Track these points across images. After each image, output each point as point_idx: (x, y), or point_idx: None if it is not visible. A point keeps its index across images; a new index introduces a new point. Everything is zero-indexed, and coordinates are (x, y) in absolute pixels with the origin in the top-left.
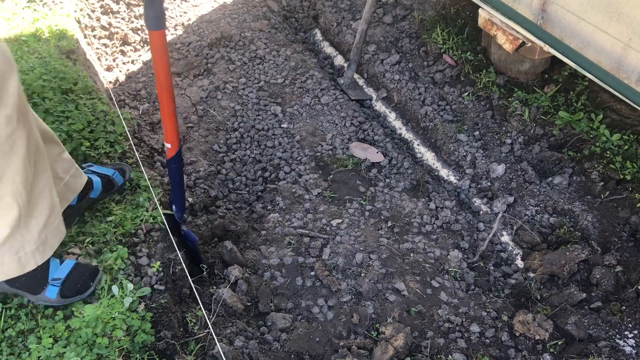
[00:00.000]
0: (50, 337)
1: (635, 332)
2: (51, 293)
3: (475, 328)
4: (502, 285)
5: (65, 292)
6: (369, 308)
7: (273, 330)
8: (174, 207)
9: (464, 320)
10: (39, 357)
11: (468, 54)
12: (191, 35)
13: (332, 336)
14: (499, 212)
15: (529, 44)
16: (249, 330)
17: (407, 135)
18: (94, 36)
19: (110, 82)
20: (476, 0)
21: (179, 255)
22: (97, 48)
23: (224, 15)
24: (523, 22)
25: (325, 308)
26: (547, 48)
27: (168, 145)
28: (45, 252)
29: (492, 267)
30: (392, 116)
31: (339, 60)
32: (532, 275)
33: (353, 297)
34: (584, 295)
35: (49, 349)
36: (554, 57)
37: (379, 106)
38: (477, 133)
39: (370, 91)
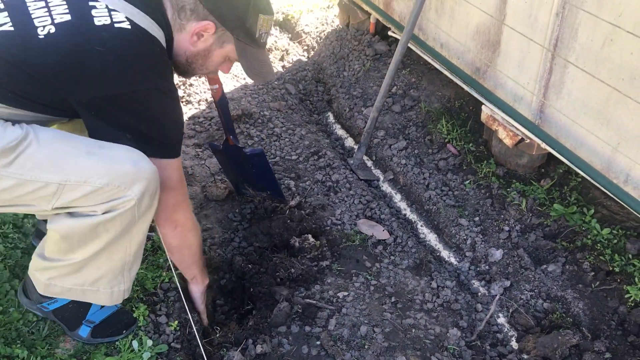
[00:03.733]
0: None
1: None
2: (84, 332)
3: None
4: None
5: (97, 333)
6: None
7: None
8: (230, 136)
9: None
10: None
11: (470, 145)
12: (214, 110)
13: None
14: (496, 295)
15: (528, 141)
16: None
17: (412, 216)
18: None
19: None
20: (480, 98)
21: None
22: None
23: (245, 94)
24: (522, 121)
25: None
26: (544, 145)
27: (215, 87)
28: (129, 292)
29: (488, 347)
30: (397, 197)
31: (349, 142)
32: (526, 357)
33: None
34: None
35: None
36: (550, 153)
37: (386, 187)
38: (477, 219)
39: (377, 173)
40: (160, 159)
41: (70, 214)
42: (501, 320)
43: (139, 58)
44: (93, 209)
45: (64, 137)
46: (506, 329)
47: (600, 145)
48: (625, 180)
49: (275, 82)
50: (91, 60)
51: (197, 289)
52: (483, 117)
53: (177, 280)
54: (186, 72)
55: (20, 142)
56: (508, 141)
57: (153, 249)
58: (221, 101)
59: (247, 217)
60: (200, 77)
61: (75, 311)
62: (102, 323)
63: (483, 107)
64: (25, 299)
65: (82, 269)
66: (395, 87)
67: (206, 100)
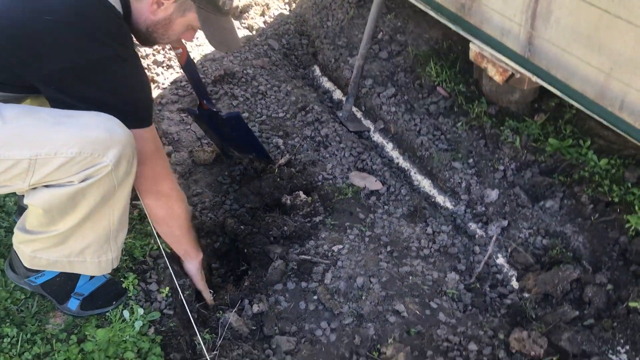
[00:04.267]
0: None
1: (627, 347)
2: (72, 305)
3: (473, 346)
4: (498, 305)
5: (86, 305)
6: (370, 329)
7: (278, 353)
8: (203, 100)
9: (462, 339)
10: None
11: (460, 86)
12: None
13: (335, 357)
14: (493, 236)
15: (518, 75)
16: (255, 353)
17: (404, 164)
18: None
19: None
20: (467, 35)
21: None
22: None
23: (226, 54)
24: (511, 55)
25: (328, 330)
26: (535, 79)
27: (179, 51)
28: (119, 260)
29: (488, 288)
30: (389, 146)
31: (337, 94)
32: (527, 295)
33: (355, 319)
34: (577, 313)
35: None
36: (542, 87)
37: (377, 137)
38: (471, 161)
39: (368, 123)
40: (130, 130)
41: (47, 186)
42: (500, 260)
43: (92, 24)
44: (69, 179)
45: (30, 111)
46: (506, 269)
47: (593, 72)
48: (620, 106)
49: (258, 39)
50: (41, 31)
51: (192, 265)
52: (471, 55)
53: (161, 247)
54: (147, 42)
55: None
56: (498, 78)
57: (140, 217)
58: (187, 65)
59: (236, 179)
60: (163, 47)
61: (64, 284)
62: (91, 295)
63: (471, 44)
64: (13, 274)
65: (66, 240)
66: (381, 33)
67: None
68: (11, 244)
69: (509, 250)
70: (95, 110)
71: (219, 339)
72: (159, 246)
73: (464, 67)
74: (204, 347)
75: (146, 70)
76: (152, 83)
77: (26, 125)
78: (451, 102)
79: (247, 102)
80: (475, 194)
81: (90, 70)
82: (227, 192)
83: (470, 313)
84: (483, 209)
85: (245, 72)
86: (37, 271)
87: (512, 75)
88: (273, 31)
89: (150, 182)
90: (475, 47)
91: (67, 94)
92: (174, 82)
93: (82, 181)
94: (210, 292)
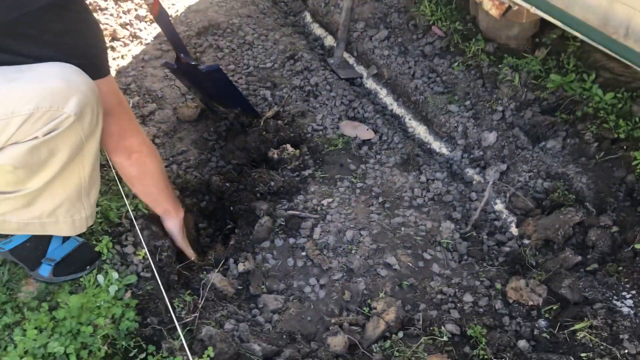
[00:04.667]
0: (35, 328)
1: (633, 292)
2: (44, 271)
3: (468, 298)
4: (496, 253)
5: (59, 271)
6: (360, 284)
7: (265, 312)
8: (181, 54)
9: (456, 290)
10: (24, 349)
11: (457, 23)
12: (179, 26)
13: (324, 314)
14: (490, 180)
15: (515, 8)
16: (240, 313)
17: (399, 110)
18: None
19: None
20: None
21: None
22: None
23: (211, 4)
24: None
25: (317, 287)
26: (533, 10)
27: (150, 1)
28: (94, 218)
29: (485, 236)
30: (383, 93)
31: (329, 40)
32: (526, 242)
33: (344, 274)
34: (580, 258)
35: (34, 340)
36: (544, 20)
37: (370, 84)
38: (468, 103)
39: (360, 69)
40: None
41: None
42: (499, 206)
43: None
44: (34, 135)
45: None
46: (505, 215)
47: None
48: (626, 33)
49: None
50: None
51: (173, 224)
52: None
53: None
54: None
55: None
56: (494, 12)
57: (118, 178)
58: (160, 17)
59: (222, 134)
60: None
61: (34, 249)
62: (63, 261)
63: None
64: None
65: (36, 200)
66: None
67: (171, 16)
68: None
69: (508, 195)
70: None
71: (201, 300)
72: (135, 207)
73: (460, 3)
74: (171, 309)
75: (128, 27)
76: (134, 39)
77: None
78: (447, 41)
79: (232, 54)
80: (473, 137)
81: (28, 25)
82: (213, 149)
83: (466, 263)
84: (481, 153)
85: (230, 22)
86: (5, 236)
87: (509, 8)
88: None
89: (117, 138)
90: None
91: (10, 53)
92: (157, 37)
93: (46, 134)
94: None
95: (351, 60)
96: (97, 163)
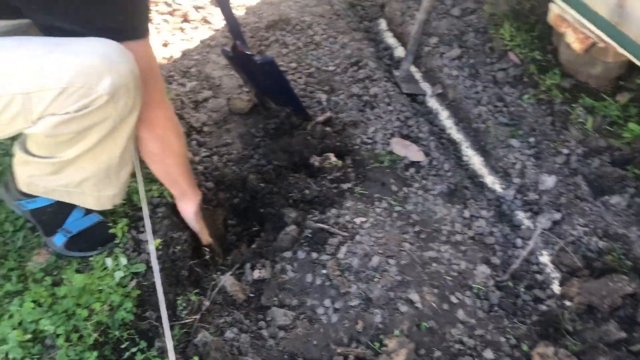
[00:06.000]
0: (33, 302)
1: None
2: (58, 240)
3: (488, 354)
4: (530, 310)
5: (71, 245)
6: (376, 316)
7: (271, 326)
8: (237, 41)
9: (478, 343)
10: (19, 321)
11: (536, 52)
12: (250, 16)
13: (331, 341)
14: (539, 228)
15: (602, 45)
16: (245, 323)
17: (456, 136)
18: (157, 11)
19: (164, 57)
20: None
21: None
22: (157, 23)
23: None
24: (596, 20)
25: (330, 310)
26: (621, 50)
27: None
28: (121, 198)
29: (522, 289)
30: (443, 114)
31: (399, 52)
32: (567, 304)
33: (362, 302)
34: (624, 334)
35: (29, 313)
36: (632, 62)
37: (432, 103)
38: (531, 139)
39: (425, 86)
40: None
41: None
42: (544, 259)
43: None
44: (66, 110)
45: (23, 42)
46: (548, 270)
47: None
48: None
49: None
50: None
51: (189, 208)
52: (551, 17)
53: (141, 195)
54: None
55: None
56: (577, 46)
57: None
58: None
59: (270, 132)
60: None
61: (54, 215)
62: (78, 235)
63: (551, 4)
64: (6, 194)
65: (64, 169)
66: None
67: (244, 5)
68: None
69: (556, 248)
70: (83, 23)
71: (207, 302)
72: (161, 193)
73: (544, 32)
74: (163, 309)
75: (201, 10)
76: (205, 23)
77: (17, 58)
78: (522, 70)
79: (297, 52)
80: (530, 178)
81: None
82: (257, 145)
83: (495, 315)
84: (535, 196)
85: (302, 19)
86: (29, 196)
87: (595, 44)
88: None
89: (142, 109)
90: (556, 8)
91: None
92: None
93: (77, 111)
94: (205, 250)
95: (417, 76)
96: (130, 145)
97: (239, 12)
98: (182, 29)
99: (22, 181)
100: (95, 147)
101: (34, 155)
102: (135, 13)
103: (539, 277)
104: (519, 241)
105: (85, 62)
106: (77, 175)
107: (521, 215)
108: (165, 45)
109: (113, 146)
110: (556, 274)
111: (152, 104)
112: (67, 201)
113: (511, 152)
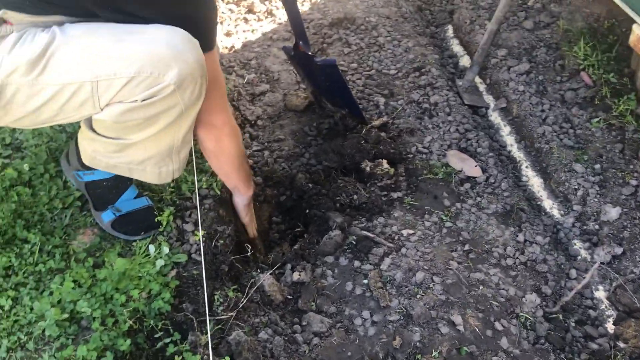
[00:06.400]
0: (73, 281)
1: None
2: (107, 217)
3: None
4: (579, 347)
5: (117, 225)
6: (415, 334)
7: (306, 332)
8: (299, 41)
9: None
10: (58, 299)
11: (611, 75)
12: (315, 12)
13: (366, 354)
14: (597, 262)
15: None
16: (280, 325)
17: (517, 154)
18: (223, 0)
19: (226, 47)
20: (632, 14)
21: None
22: (222, 12)
23: None
24: None
25: (368, 322)
26: None
27: None
28: (181, 172)
29: (573, 324)
30: (505, 130)
31: (464, 61)
32: (621, 345)
33: (401, 317)
34: None
35: (68, 292)
36: None
37: (494, 117)
38: (597, 166)
39: (489, 99)
40: None
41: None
42: (599, 294)
43: None
44: (134, 99)
45: (95, 30)
46: (604, 307)
47: None
48: None
49: None
50: None
51: (240, 200)
52: (632, 39)
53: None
54: None
55: (46, 47)
56: None
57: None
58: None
59: (323, 132)
60: None
61: (108, 190)
62: (126, 215)
63: (634, 26)
64: (66, 164)
65: (128, 149)
66: (532, 0)
67: (310, 1)
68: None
69: (614, 284)
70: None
71: (244, 300)
72: (210, 185)
73: (622, 53)
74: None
75: (267, 2)
76: (269, 16)
77: (88, 46)
78: (593, 92)
79: (359, 52)
80: (592, 207)
81: None
82: (309, 144)
83: (541, 348)
84: (596, 227)
85: (367, 19)
86: (88, 168)
87: None
88: None
89: (202, 112)
90: (639, 30)
91: (122, 13)
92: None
93: (144, 100)
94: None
95: (481, 87)
96: (192, 128)
97: (303, 7)
98: (246, 20)
99: (86, 155)
100: (160, 132)
101: (100, 135)
102: (208, 27)
103: (592, 313)
104: (573, 272)
105: (154, 52)
106: (140, 154)
107: (578, 245)
108: (228, 35)
109: (177, 130)
110: (611, 312)
111: (212, 110)
112: (127, 176)
113: (574, 177)
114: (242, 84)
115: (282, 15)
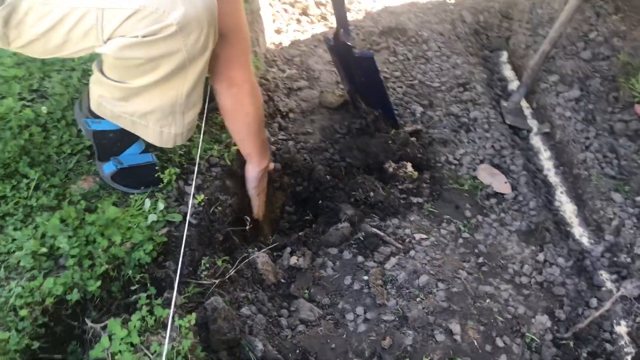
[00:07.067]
0: (62, 220)
1: None
2: (108, 168)
3: None
4: None
5: (117, 177)
6: (407, 338)
7: (293, 317)
8: (341, 30)
9: None
10: (42, 233)
11: None
12: (367, 20)
13: (351, 350)
14: (619, 293)
15: None
16: (267, 305)
17: (553, 179)
18: (279, 0)
19: (273, 43)
20: None
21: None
22: (276, 10)
23: (409, 10)
24: None
25: (360, 318)
26: None
27: None
28: (184, 139)
29: (584, 354)
30: (545, 155)
31: (513, 85)
32: None
33: (396, 319)
34: None
35: (52, 228)
36: None
37: (536, 141)
38: (638, 199)
39: (533, 123)
40: None
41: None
42: (620, 329)
43: None
44: (135, 34)
45: None
46: (623, 343)
47: None
48: None
49: (451, 6)
50: None
51: (252, 169)
52: None
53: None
54: None
55: None
56: None
57: (222, 126)
58: None
59: (353, 132)
60: None
61: (113, 142)
62: (128, 169)
63: None
64: (79, 111)
65: (132, 97)
66: (595, 33)
67: (366, 11)
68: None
69: (638, 320)
70: None
71: (231, 271)
72: (221, 155)
73: None
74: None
75: (321, 7)
76: (322, 20)
77: None
78: None
79: (404, 62)
80: (626, 239)
81: None
82: (336, 141)
83: None
84: (628, 260)
85: (419, 32)
86: (98, 117)
87: None
88: (473, 3)
89: (221, 64)
90: None
91: None
92: None
93: (145, 37)
94: (247, 219)
95: (527, 111)
96: (199, 87)
97: (357, 15)
98: (298, 21)
99: (93, 100)
100: (163, 81)
101: (106, 77)
102: None
103: (608, 346)
104: (594, 301)
105: None
106: (144, 106)
107: (605, 276)
108: (277, 32)
109: (181, 83)
110: (630, 349)
111: (233, 64)
112: (130, 130)
113: (610, 206)
114: (282, 78)
115: (334, 21)
